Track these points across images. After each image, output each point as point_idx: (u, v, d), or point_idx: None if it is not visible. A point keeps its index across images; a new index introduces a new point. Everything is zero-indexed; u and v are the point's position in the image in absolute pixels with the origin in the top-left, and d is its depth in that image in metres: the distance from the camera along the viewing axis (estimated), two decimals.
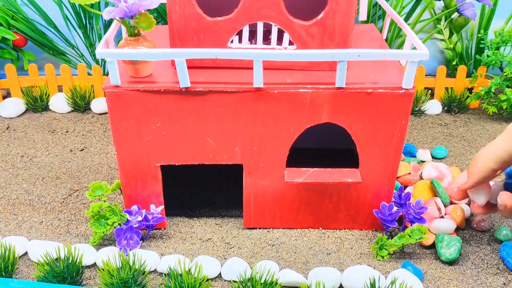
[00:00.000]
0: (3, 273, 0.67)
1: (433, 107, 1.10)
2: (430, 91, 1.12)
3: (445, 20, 1.12)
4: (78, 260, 0.68)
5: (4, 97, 1.13)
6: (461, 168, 0.91)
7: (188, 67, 0.63)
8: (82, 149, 0.97)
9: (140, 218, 0.71)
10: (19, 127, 1.05)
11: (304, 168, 0.72)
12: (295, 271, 0.68)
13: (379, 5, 1.13)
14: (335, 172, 0.72)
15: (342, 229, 0.77)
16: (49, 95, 1.11)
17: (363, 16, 0.87)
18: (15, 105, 1.09)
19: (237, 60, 0.67)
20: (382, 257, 0.70)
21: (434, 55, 1.21)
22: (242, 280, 0.66)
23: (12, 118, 1.08)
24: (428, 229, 0.73)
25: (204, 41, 0.67)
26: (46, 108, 1.11)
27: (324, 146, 0.91)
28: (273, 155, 0.70)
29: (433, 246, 0.73)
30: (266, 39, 0.67)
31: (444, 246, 0.70)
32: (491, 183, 0.60)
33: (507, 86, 1.04)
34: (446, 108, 1.11)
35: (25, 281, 0.65)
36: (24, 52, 1.14)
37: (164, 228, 0.77)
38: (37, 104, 1.10)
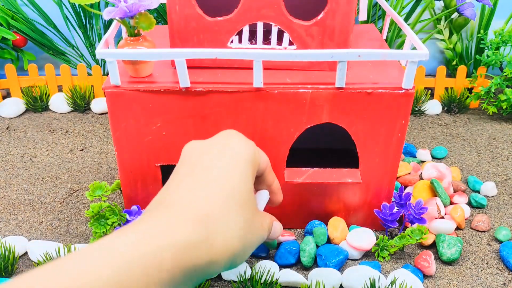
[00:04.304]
0: (3, 273, 0.67)
1: (433, 107, 1.10)
2: (430, 91, 1.12)
3: (445, 20, 1.12)
4: None
5: (4, 97, 1.13)
6: (461, 168, 0.91)
7: (188, 67, 0.63)
8: (82, 149, 0.97)
9: None
10: (19, 127, 1.05)
11: (304, 168, 0.72)
12: (295, 271, 0.68)
13: (379, 5, 1.13)
14: (335, 172, 0.72)
15: None
16: (49, 95, 1.11)
17: (363, 16, 0.87)
18: (15, 105, 1.09)
19: (237, 60, 0.67)
20: (383, 258, 0.70)
21: (434, 55, 1.21)
22: (242, 280, 0.66)
23: (12, 118, 1.08)
24: (428, 229, 0.73)
25: (204, 41, 0.67)
26: (46, 108, 1.11)
27: (324, 146, 0.91)
28: (273, 155, 0.70)
29: (432, 246, 0.73)
30: (266, 39, 0.67)
31: (445, 246, 0.70)
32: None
33: (507, 86, 1.03)
34: (446, 108, 1.11)
35: None
36: (24, 52, 1.14)
37: None
38: (37, 104, 1.10)
